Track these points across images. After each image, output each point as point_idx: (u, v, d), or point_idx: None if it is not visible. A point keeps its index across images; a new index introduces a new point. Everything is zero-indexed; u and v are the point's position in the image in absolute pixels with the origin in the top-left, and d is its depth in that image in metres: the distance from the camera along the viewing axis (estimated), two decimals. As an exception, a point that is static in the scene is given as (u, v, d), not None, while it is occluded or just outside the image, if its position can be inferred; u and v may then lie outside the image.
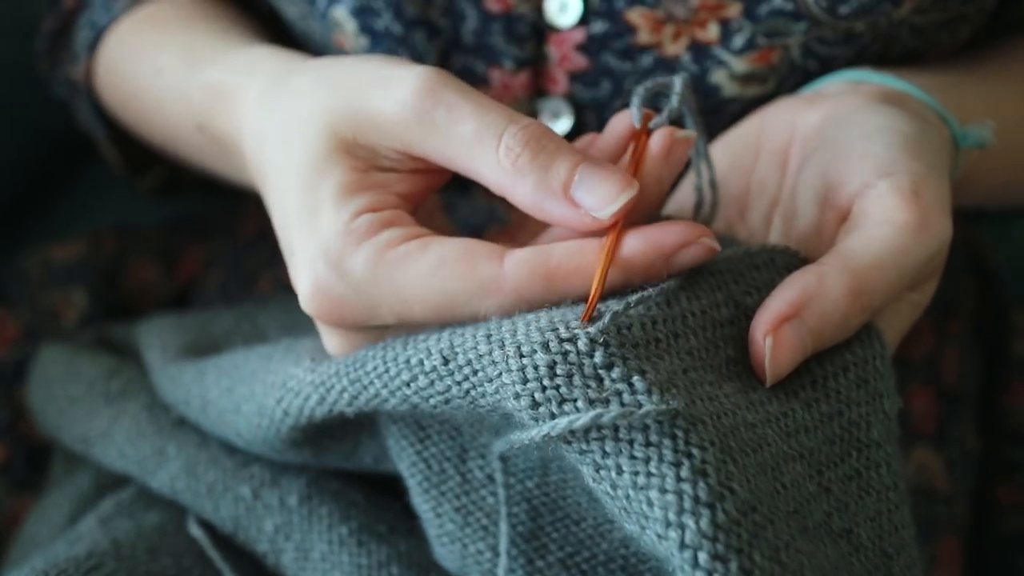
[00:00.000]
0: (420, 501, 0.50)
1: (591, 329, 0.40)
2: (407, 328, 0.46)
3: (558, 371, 0.40)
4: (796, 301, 0.42)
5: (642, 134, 0.45)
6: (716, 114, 0.58)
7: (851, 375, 0.44)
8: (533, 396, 0.40)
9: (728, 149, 0.53)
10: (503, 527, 0.47)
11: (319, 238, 0.44)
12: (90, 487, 0.62)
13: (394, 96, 0.45)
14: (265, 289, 0.73)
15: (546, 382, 0.40)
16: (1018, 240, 0.82)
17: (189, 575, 0.54)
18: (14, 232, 0.85)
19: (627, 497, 0.38)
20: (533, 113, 0.60)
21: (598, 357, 0.40)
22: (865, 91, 0.51)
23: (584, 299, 0.42)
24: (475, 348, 0.42)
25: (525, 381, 0.40)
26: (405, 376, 0.44)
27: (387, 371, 0.44)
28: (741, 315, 0.45)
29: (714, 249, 0.43)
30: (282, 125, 0.48)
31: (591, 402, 0.39)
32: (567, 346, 0.40)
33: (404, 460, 0.50)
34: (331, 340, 0.48)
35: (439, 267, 0.43)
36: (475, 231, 0.61)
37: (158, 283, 0.78)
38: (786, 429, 0.42)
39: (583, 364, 0.40)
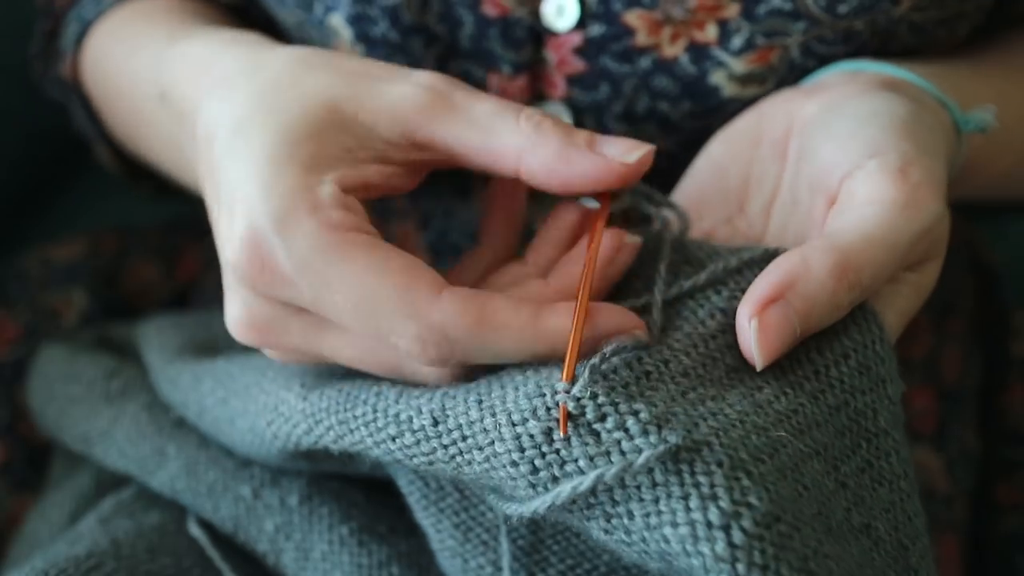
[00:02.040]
0: (420, 517, 0.50)
1: (575, 389, 0.40)
2: (315, 321, 0.45)
3: (555, 436, 0.40)
4: (780, 282, 0.42)
5: (599, 219, 0.47)
6: (715, 115, 0.57)
7: (852, 362, 0.44)
8: (533, 463, 0.40)
9: (728, 142, 0.53)
10: (504, 542, 0.47)
11: (274, 190, 0.43)
12: (90, 487, 0.62)
13: (408, 81, 0.46)
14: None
15: (544, 448, 0.40)
16: (1018, 240, 0.82)
17: (189, 575, 0.54)
18: (14, 232, 0.85)
19: (643, 540, 0.38)
20: None
21: (590, 413, 0.39)
22: (863, 79, 0.51)
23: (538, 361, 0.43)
24: (466, 413, 0.42)
25: (522, 449, 0.40)
26: (392, 430, 0.43)
27: (375, 421, 0.44)
28: (730, 322, 0.44)
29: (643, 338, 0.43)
30: (272, 83, 0.47)
31: (591, 459, 0.39)
32: (556, 412, 0.40)
33: (402, 477, 0.50)
34: (233, 301, 0.46)
35: (379, 269, 0.42)
36: (473, 238, 0.61)
37: (158, 283, 0.78)
38: (798, 426, 0.41)
39: (577, 424, 0.39)
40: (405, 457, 0.43)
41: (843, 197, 0.45)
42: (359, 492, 0.55)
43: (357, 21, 0.57)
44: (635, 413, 0.39)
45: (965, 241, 0.74)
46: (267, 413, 0.49)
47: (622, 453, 0.39)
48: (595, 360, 0.41)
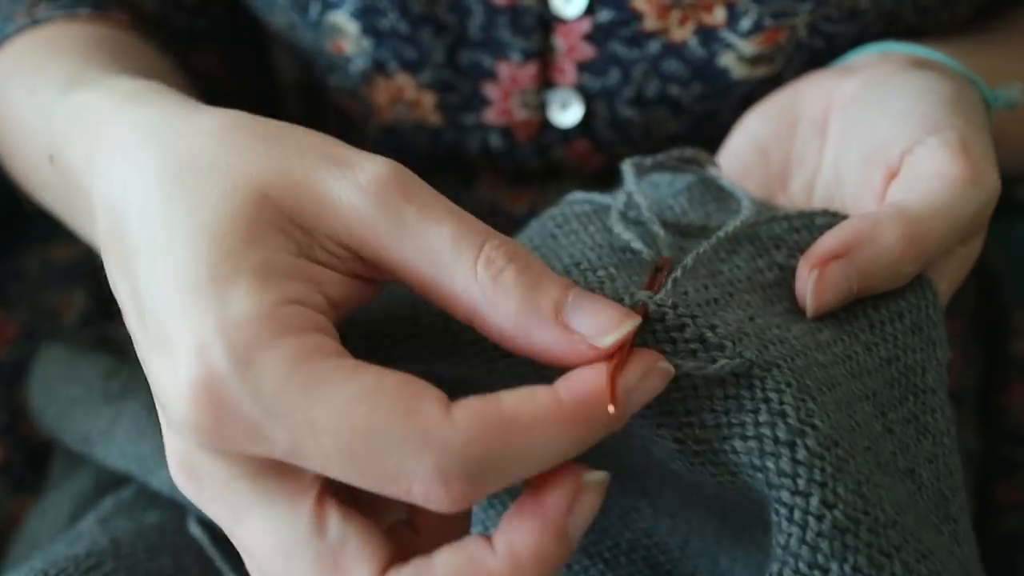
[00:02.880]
0: None
1: (657, 295, 0.41)
2: (292, 473, 0.35)
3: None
4: (847, 241, 0.43)
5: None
6: (725, 97, 0.58)
7: (906, 321, 0.44)
8: None
9: (767, 119, 0.54)
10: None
11: (224, 317, 0.34)
12: (90, 487, 0.62)
13: (354, 180, 0.37)
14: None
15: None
16: (1018, 240, 0.81)
17: (189, 574, 0.54)
18: (14, 232, 0.84)
19: (712, 450, 0.40)
20: (543, 104, 0.60)
21: (669, 320, 0.40)
22: (894, 59, 0.52)
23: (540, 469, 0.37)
24: None
25: None
26: (471, 335, 0.42)
27: (448, 328, 0.44)
28: (788, 276, 0.45)
29: (669, 373, 0.38)
30: (186, 162, 0.38)
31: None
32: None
33: None
34: (176, 454, 0.37)
35: (373, 396, 0.33)
36: None
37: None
38: (852, 370, 0.42)
39: (655, 330, 0.40)
40: (483, 363, 0.43)
41: (906, 171, 0.46)
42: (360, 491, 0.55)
43: (364, 14, 0.57)
44: (712, 327, 0.40)
45: (965, 241, 0.74)
46: None
47: (694, 354, 0.40)
48: (677, 272, 0.42)
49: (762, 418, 0.39)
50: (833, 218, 0.47)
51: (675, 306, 0.40)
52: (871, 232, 0.43)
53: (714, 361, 0.39)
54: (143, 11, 0.63)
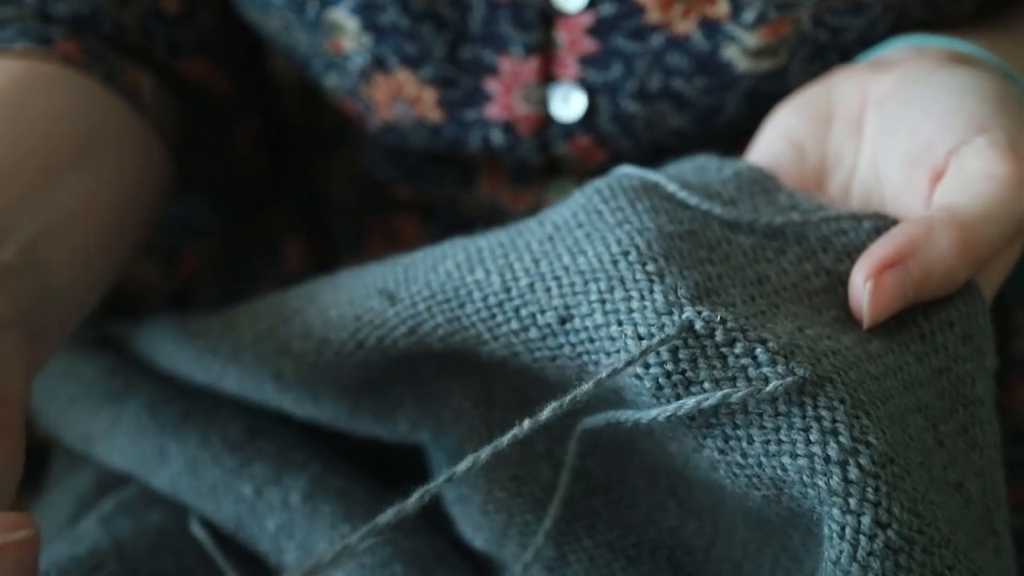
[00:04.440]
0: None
1: (704, 311, 0.40)
2: None
3: (681, 355, 0.40)
4: (902, 248, 0.42)
5: None
6: (729, 90, 0.58)
7: (957, 330, 0.44)
8: (657, 380, 0.40)
9: (800, 115, 0.53)
10: (556, 502, 0.47)
11: None
12: (91, 487, 0.62)
13: None
14: (266, 288, 0.72)
15: (670, 367, 0.40)
16: (1019, 239, 0.81)
17: (191, 574, 0.54)
18: (13, 232, 0.84)
19: (759, 465, 0.39)
20: (545, 99, 0.60)
21: (719, 336, 0.40)
22: (930, 54, 0.52)
23: None
24: (591, 316, 0.42)
25: (647, 365, 0.40)
26: (515, 325, 0.44)
27: (492, 317, 0.44)
28: (836, 282, 0.45)
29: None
30: None
31: (716, 381, 0.39)
32: (685, 331, 0.40)
33: (463, 424, 0.50)
34: None
35: None
36: (476, 229, 0.61)
37: (158, 283, 0.78)
38: (904, 382, 0.42)
39: (705, 346, 0.40)
40: (526, 351, 0.44)
41: (952, 171, 0.46)
42: (361, 491, 0.55)
43: (364, 10, 0.57)
44: (763, 342, 0.40)
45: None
46: (347, 325, 0.48)
47: (748, 380, 0.39)
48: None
49: (813, 436, 0.38)
50: (881, 221, 0.46)
51: (724, 321, 0.40)
52: (926, 239, 0.42)
53: (766, 380, 0.39)
54: (123, 26, 0.61)
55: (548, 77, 0.59)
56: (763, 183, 0.49)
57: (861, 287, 0.43)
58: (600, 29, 0.57)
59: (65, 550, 0.53)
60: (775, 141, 0.53)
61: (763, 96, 0.57)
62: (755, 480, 0.40)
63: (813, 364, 0.40)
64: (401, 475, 0.52)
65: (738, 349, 0.40)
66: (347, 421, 0.53)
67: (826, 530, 0.38)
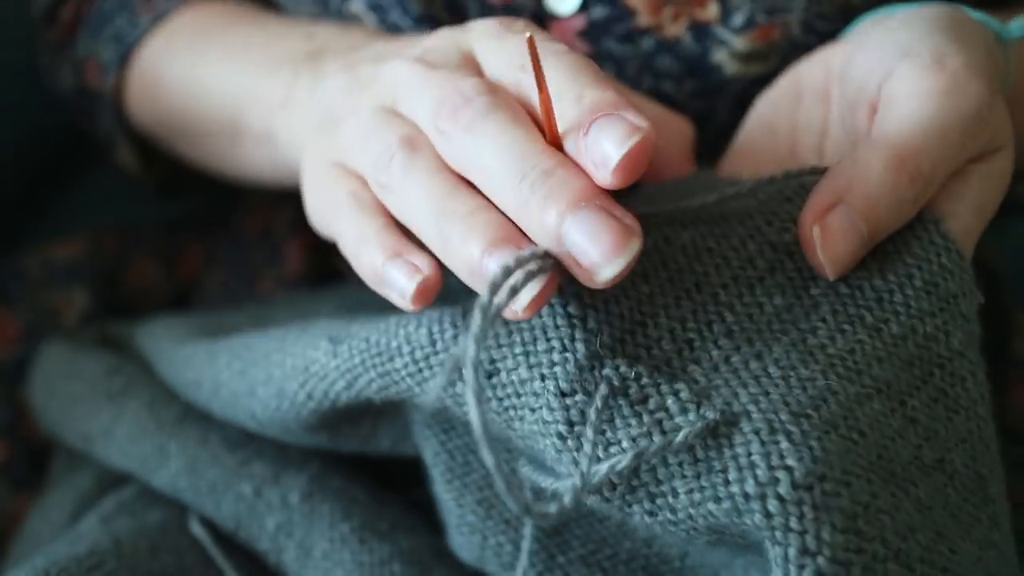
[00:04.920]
0: (442, 491, 0.49)
1: (621, 365, 0.40)
2: None
3: (600, 417, 0.39)
4: (837, 186, 0.41)
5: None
6: (719, 94, 0.58)
7: (917, 282, 0.41)
8: (580, 439, 0.39)
9: (771, 102, 0.53)
10: (528, 524, 0.47)
11: None
12: (91, 486, 0.62)
13: None
14: (267, 287, 0.73)
15: (590, 430, 0.39)
16: (1018, 240, 0.81)
17: (190, 573, 0.54)
18: (14, 231, 0.85)
19: (689, 517, 0.38)
20: None
21: (633, 393, 0.39)
22: (894, 16, 0.50)
23: None
24: (516, 371, 0.41)
25: (571, 423, 0.40)
26: (441, 380, 0.43)
27: (419, 371, 0.43)
28: (782, 256, 0.43)
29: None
30: None
31: (633, 439, 0.39)
32: (603, 388, 0.39)
33: (428, 448, 0.49)
34: None
35: None
36: None
37: (159, 283, 0.78)
38: (855, 367, 0.40)
39: (620, 405, 0.39)
40: (455, 404, 0.43)
41: (883, 100, 0.45)
42: (361, 489, 0.55)
43: (376, 9, 0.58)
44: (675, 393, 0.39)
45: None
46: (298, 375, 0.48)
47: (663, 432, 0.38)
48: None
49: (731, 476, 0.37)
50: (821, 172, 0.44)
51: (638, 377, 0.39)
52: (857, 169, 0.41)
53: (678, 430, 0.38)
54: None
55: None
56: (706, 178, 0.48)
57: (811, 236, 0.41)
58: (592, 32, 0.57)
59: (65, 549, 0.53)
60: (751, 127, 0.53)
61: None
62: (693, 532, 0.39)
63: (729, 402, 0.38)
64: (400, 473, 0.52)
65: (651, 405, 0.39)
66: (330, 445, 0.53)
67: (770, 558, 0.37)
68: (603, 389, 0.39)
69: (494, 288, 0.37)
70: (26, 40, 0.76)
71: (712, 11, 0.55)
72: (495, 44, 0.44)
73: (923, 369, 0.40)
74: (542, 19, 0.58)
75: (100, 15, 0.70)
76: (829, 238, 0.41)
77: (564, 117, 0.40)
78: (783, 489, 0.36)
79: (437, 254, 0.41)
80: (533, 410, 0.41)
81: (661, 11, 0.56)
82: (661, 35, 0.56)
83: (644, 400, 0.39)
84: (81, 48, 0.71)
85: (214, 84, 0.62)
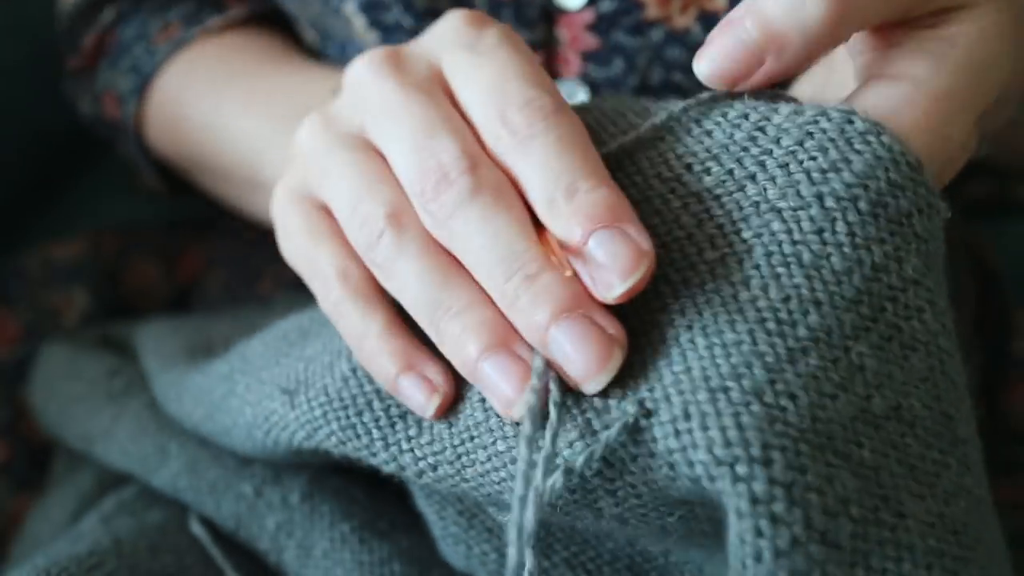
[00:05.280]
0: (423, 504, 0.49)
1: (553, 400, 0.38)
2: None
3: (549, 435, 0.38)
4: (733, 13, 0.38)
5: None
6: None
7: (862, 204, 0.36)
8: (533, 457, 0.38)
9: (808, 76, 0.50)
10: (511, 529, 0.47)
11: None
12: (92, 486, 0.62)
13: None
14: (268, 287, 0.73)
15: (541, 444, 0.37)
16: (1018, 240, 0.82)
17: (190, 573, 0.54)
18: (14, 231, 0.85)
19: (655, 499, 0.38)
20: None
21: (553, 423, 0.37)
22: None
23: None
24: (473, 415, 0.41)
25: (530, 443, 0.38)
26: (412, 432, 0.43)
27: (392, 425, 0.43)
28: (708, 203, 0.38)
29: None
30: None
31: (570, 444, 0.38)
32: (552, 407, 0.38)
33: None
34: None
35: None
36: None
37: (159, 283, 0.78)
38: (788, 319, 0.35)
39: (564, 420, 0.38)
40: (412, 461, 0.43)
41: None
42: (360, 489, 0.55)
43: (369, 8, 0.58)
44: (596, 410, 0.38)
45: (965, 242, 0.74)
46: (261, 424, 0.48)
47: (593, 432, 0.37)
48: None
49: (657, 474, 0.36)
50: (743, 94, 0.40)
51: (560, 404, 0.38)
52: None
53: (607, 427, 0.36)
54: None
55: (551, 74, 0.59)
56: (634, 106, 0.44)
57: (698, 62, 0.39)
58: (601, 25, 0.57)
59: (65, 549, 0.53)
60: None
61: None
62: (662, 511, 0.37)
63: (653, 388, 0.36)
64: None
65: (583, 404, 0.37)
66: (320, 462, 0.54)
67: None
68: (555, 395, 0.38)
69: (530, 443, 0.37)
70: (26, 40, 0.76)
71: (720, 0, 0.55)
72: (467, 68, 0.42)
73: (871, 306, 0.35)
74: (551, 13, 0.58)
75: (120, 45, 0.70)
76: (709, 43, 0.39)
77: (553, 214, 0.38)
78: (693, 485, 0.34)
79: (434, 340, 0.40)
80: (486, 448, 0.40)
81: (670, 2, 0.56)
82: (670, 26, 0.57)
83: (578, 401, 0.38)
84: (101, 81, 0.71)
85: (237, 131, 0.63)
